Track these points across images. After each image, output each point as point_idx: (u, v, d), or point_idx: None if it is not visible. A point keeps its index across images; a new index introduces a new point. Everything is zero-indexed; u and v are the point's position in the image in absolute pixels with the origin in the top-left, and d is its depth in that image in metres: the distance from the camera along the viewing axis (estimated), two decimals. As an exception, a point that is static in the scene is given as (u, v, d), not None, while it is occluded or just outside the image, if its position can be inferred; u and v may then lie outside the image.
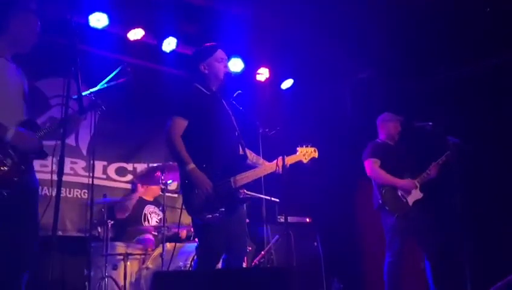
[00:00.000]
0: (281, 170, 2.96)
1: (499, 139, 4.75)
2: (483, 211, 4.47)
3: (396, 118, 4.39)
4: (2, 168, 2.12)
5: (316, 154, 3.30)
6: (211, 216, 2.72)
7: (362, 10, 4.49)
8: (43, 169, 3.25)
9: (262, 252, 4.24)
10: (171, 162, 3.98)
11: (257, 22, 4.82)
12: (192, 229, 3.99)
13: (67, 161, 4.51)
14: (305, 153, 3.23)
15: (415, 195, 4.03)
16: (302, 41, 5.09)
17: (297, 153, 3.20)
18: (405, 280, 4.13)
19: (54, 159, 2.46)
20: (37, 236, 2.41)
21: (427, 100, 5.32)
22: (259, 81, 5.46)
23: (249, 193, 3.19)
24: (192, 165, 2.74)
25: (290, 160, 3.12)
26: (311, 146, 3.25)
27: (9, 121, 2.17)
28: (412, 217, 3.95)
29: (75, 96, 2.25)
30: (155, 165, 4.64)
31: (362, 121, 5.36)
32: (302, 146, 3.22)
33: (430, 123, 4.12)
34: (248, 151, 3.04)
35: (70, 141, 4.63)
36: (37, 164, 2.62)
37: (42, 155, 2.41)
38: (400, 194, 4.03)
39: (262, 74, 5.41)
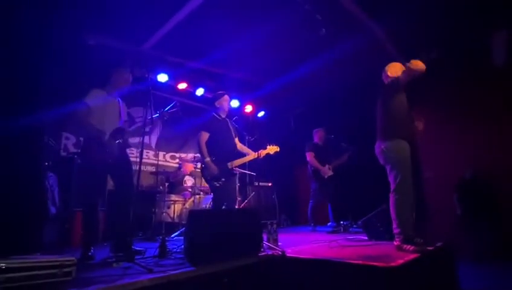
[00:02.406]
0: (258, 157, 3.36)
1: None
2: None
3: (322, 130, 5.04)
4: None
5: (278, 149, 3.56)
6: (216, 183, 3.15)
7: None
8: (132, 155, 3.22)
9: (246, 201, 4.89)
10: (198, 154, 3.86)
11: (246, 82, 5.64)
12: (209, 189, 4.36)
13: (144, 151, 4.12)
14: (271, 149, 3.49)
15: (329, 173, 4.70)
16: (270, 95, 5.78)
17: (267, 148, 3.48)
18: (318, 214, 4.81)
19: (138, 149, 2.68)
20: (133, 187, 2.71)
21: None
22: (246, 112, 6.26)
23: (240, 170, 3.54)
24: (207, 158, 3.15)
25: (263, 152, 3.44)
26: (275, 145, 3.53)
27: (109, 128, 2.56)
28: (325, 183, 4.69)
29: (149, 117, 2.55)
30: (191, 154, 5.32)
31: (301, 132, 5.76)
32: (270, 144, 3.51)
33: (332, 136, 4.96)
34: (242, 146, 3.51)
35: (146, 140, 4.96)
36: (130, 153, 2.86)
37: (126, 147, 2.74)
38: (321, 173, 4.70)
39: (248, 108, 6.26)
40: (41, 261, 1.51)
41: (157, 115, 2.89)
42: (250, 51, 4.52)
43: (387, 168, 2.70)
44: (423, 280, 2.26)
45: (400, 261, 1.98)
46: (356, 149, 4.77)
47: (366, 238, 3.38)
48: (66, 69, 3.92)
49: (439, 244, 2.62)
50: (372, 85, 3.13)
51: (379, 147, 2.77)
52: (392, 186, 2.64)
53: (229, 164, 3.20)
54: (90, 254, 2.39)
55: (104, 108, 2.58)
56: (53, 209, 3.35)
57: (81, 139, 3.74)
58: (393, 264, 1.91)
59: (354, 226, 4.49)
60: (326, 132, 5.05)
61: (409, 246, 2.42)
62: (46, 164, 3.45)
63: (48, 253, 1.92)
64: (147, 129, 2.66)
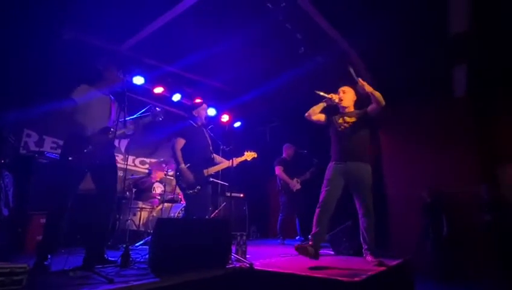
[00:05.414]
0: (232, 165, 3.29)
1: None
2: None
3: (292, 146, 5.14)
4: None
5: (256, 155, 3.50)
6: (191, 191, 3.10)
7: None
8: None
9: (216, 211, 4.82)
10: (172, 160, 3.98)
11: (225, 91, 5.66)
12: (179, 196, 4.51)
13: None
14: (249, 155, 3.48)
15: (297, 186, 4.80)
16: (247, 106, 5.93)
17: (244, 155, 3.48)
18: (287, 228, 4.88)
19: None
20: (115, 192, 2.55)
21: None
22: (223, 122, 6.22)
23: (214, 179, 3.48)
24: (183, 165, 3.09)
25: (239, 159, 3.39)
26: (253, 151, 3.54)
27: (96, 126, 2.44)
28: (294, 197, 4.78)
29: (122, 120, 2.52)
30: (162, 159, 5.13)
31: (276, 145, 5.72)
32: (247, 151, 3.52)
33: (305, 151, 5.11)
34: (215, 155, 3.45)
35: (116, 143, 4.38)
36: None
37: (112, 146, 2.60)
38: (290, 186, 4.78)
39: (225, 117, 6.22)
40: (-12, 268, 1.41)
41: (135, 117, 2.80)
42: (229, 61, 4.55)
43: None
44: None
45: (363, 277, 2.05)
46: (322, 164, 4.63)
47: (332, 252, 3.42)
48: (35, 64, 3.71)
49: (398, 261, 2.73)
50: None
51: None
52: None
53: (205, 171, 3.17)
54: (46, 263, 2.18)
55: (92, 105, 2.46)
56: (5, 211, 3.11)
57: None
58: (356, 279, 1.98)
59: (321, 240, 4.57)
60: (298, 147, 5.12)
61: None
62: (2, 161, 3.18)
63: (-3, 259, 1.77)
64: (129, 133, 2.59)
